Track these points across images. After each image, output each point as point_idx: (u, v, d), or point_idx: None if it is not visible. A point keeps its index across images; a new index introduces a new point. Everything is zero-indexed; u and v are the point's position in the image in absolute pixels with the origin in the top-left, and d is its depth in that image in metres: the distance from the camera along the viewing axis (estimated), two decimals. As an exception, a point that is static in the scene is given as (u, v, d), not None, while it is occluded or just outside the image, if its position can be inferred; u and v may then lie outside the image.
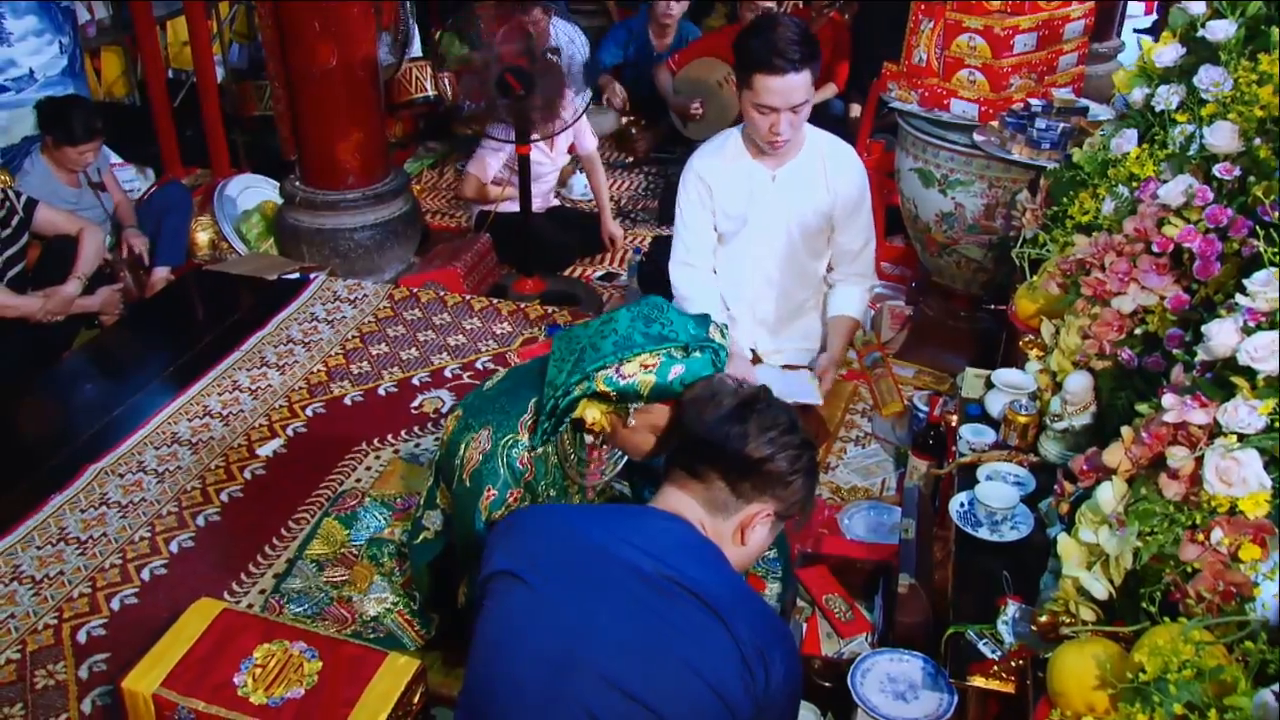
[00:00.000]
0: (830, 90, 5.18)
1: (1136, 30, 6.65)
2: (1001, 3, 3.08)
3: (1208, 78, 2.03)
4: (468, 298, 4.04)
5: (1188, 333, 1.70)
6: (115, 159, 4.44)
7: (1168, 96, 2.17)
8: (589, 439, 2.13)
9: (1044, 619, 1.54)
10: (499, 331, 3.82)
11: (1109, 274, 1.90)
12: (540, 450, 2.04)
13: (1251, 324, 1.46)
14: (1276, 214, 1.62)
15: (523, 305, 4.00)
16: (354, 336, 3.77)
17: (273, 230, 4.45)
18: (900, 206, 3.55)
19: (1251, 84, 1.91)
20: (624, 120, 5.71)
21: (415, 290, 4.08)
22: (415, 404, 3.40)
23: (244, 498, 2.96)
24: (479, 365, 3.60)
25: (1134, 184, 2.09)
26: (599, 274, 4.45)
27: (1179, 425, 1.44)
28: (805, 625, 2.40)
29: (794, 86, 2.47)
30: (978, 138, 3.10)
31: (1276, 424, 1.35)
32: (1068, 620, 1.51)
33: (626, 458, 2.21)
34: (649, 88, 5.54)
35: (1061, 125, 2.91)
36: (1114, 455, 1.54)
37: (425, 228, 4.68)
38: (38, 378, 3.55)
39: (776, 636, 1.55)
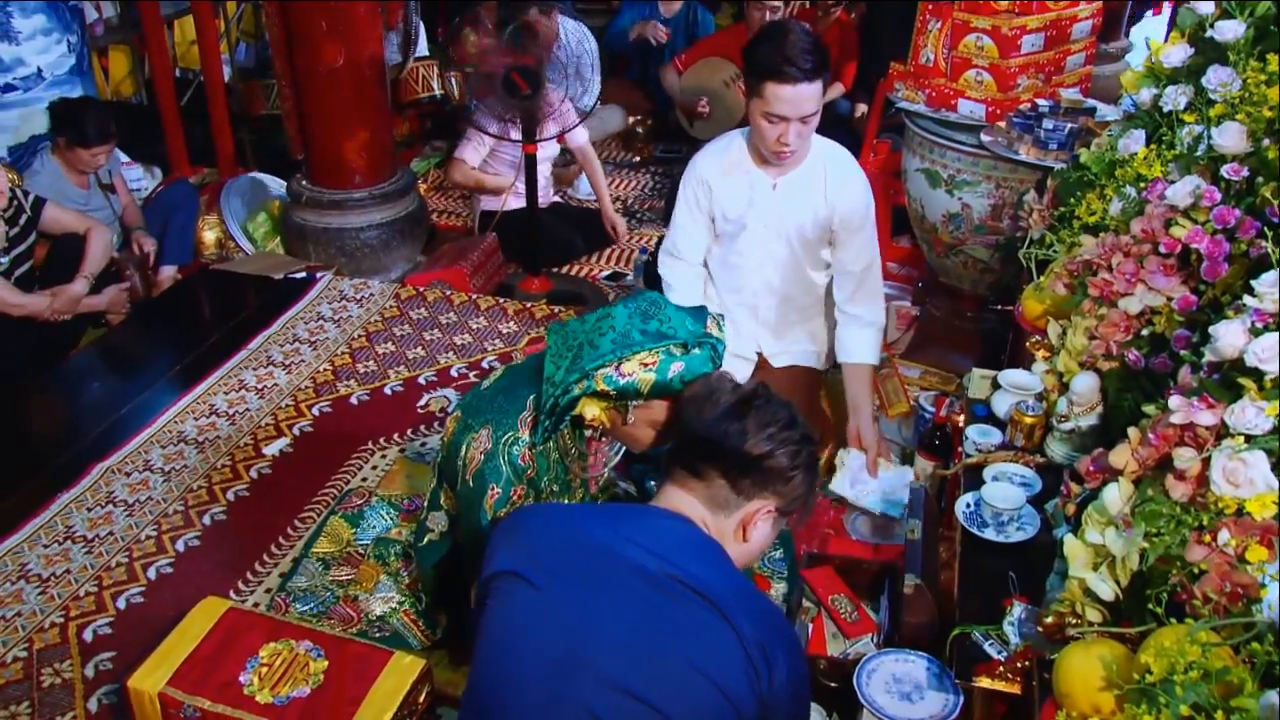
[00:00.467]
0: (836, 90, 5.17)
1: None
2: (1009, 3, 3.08)
3: (1216, 78, 2.03)
4: (474, 297, 4.04)
5: (1195, 334, 1.70)
6: (124, 159, 4.45)
7: (1176, 97, 2.17)
8: (588, 433, 2.13)
9: (1050, 620, 1.54)
10: (505, 331, 3.82)
11: (1116, 275, 1.89)
12: (541, 446, 2.04)
13: (1259, 325, 1.46)
14: (1285, 215, 1.62)
15: (529, 305, 4.00)
16: (360, 336, 3.78)
17: (279, 229, 4.46)
18: (907, 207, 3.55)
19: (1260, 84, 1.90)
20: (630, 120, 5.72)
21: (421, 289, 4.08)
22: (421, 403, 3.40)
23: (250, 497, 2.97)
24: (485, 364, 3.61)
25: (1141, 185, 2.09)
26: (605, 274, 4.45)
27: (1186, 426, 1.44)
28: (811, 625, 2.40)
29: (805, 96, 2.44)
30: (985, 138, 3.10)
31: (1284, 425, 1.34)
32: (1074, 621, 1.50)
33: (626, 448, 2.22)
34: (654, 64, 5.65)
35: (1069, 125, 2.90)
36: (1120, 456, 1.54)
37: (432, 227, 4.69)
38: (44, 376, 3.56)
39: (780, 635, 1.55)
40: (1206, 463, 1.37)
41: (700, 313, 2.00)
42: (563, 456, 2.12)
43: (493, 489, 2.02)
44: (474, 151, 4.39)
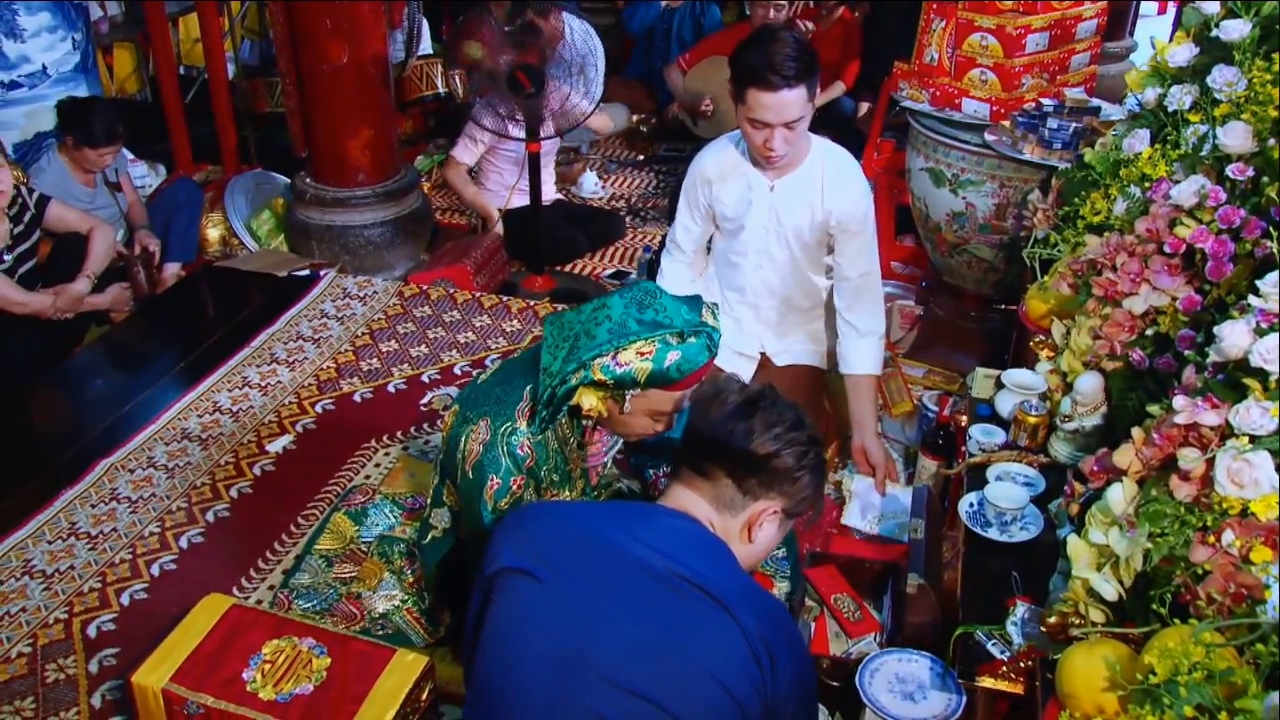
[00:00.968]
0: (839, 88, 5.17)
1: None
2: (1014, 2, 3.07)
3: (1221, 78, 2.02)
4: (477, 295, 4.04)
5: (1199, 334, 1.69)
6: (130, 157, 4.46)
7: (1181, 96, 2.16)
8: (586, 423, 2.13)
9: (1053, 620, 1.53)
10: (508, 329, 3.83)
11: (1120, 274, 1.89)
12: (540, 436, 2.04)
13: (1264, 325, 1.45)
14: (1290, 215, 1.62)
15: (532, 303, 4.00)
16: (364, 333, 3.78)
17: (283, 227, 4.47)
18: (911, 206, 3.54)
19: (1265, 84, 1.90)
20: (634, 119, 5.73)
21: (425, 287, 4.09)
22: (424, 401, 3.41)
23: (253, 494, 2.97)
24: (488, 363, 3.60)
25: (1146, 184, 2.08)
26: (609, 272, 4.45)
27: (1190, 427, 1.44)
28: (814, 625, 2.40)
29: (787, 102, 2.40)
30: (989, 137, 3.09)
31: (1289, 426, 1.34)
32: (1077, 621, 1.50)
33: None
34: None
35: (1073, 125, 2.90)
36: (1124, 456, 1.54)
37: (435, 225, 4.69)
38: (48, 374, 3.57)
39: (784, 635, 1.54)
40: (1211, 463, 1.37)
41: (696, 302, 2.01)
42: (561, 446, 2.12)
43: (492, 480, 2.02)
44: (468, 151, 4.39)
